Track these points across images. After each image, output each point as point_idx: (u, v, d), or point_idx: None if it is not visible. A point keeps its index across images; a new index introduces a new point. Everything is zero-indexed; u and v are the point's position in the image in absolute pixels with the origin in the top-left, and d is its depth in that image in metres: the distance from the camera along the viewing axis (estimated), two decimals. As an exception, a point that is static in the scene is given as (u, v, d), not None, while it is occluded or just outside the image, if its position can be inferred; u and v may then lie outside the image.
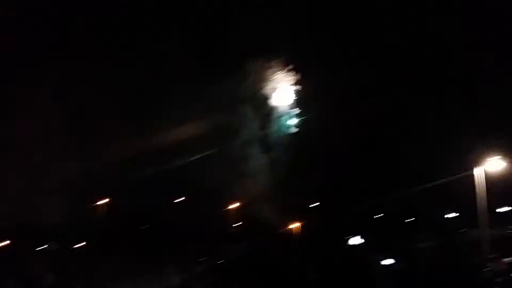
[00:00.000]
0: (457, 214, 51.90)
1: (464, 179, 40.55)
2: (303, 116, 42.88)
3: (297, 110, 42.88)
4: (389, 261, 49.98)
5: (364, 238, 52.70)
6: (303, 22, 42.46)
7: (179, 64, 39.17)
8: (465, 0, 42.06)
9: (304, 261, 47.53)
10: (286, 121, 42.49)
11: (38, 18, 37.44)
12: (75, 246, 43.03)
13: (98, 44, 39.74)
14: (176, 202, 46.27)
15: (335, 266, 46.63)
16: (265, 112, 42.57)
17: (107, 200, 43.14)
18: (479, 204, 39.88)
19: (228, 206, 46.98)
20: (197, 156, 42.04)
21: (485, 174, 38.71)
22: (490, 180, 38.72)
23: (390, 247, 50.16)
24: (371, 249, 50.85)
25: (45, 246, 42.36)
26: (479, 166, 39.61)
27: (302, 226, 48.85)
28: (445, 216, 53.05)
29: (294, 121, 42.76)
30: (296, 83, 41.95)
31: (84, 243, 42.90)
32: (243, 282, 45.42)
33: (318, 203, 51.34)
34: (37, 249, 42.31)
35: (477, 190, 39.85)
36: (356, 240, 53.63)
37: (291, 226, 48.69)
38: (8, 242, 40.21)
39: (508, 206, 48.80)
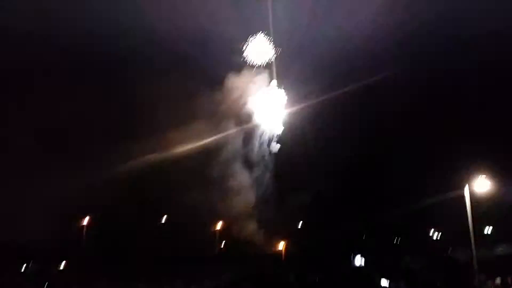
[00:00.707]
0: (443, 234, 51.09)
1: (451, 200, 39.73)
2: (289, 134, 42.73)
3: (282, 129, 42.72)
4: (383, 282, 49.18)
5: (361, 259, 51.98)
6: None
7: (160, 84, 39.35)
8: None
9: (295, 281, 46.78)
10: (270, 139, 42.27)
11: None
12: (57, 267, 42.66)
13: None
14: (160, 222, 45.97)
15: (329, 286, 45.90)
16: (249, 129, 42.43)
17: (88, 219, 42.88)
18: (469, 224, 38.88)
19: (213, 226, 46.49)
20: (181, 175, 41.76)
21: (472, 193, 37.81)
22: (477, 200, 37.89)
23: (383, 267, 49.36)
24: (369, 269, 50.08)
25: (26, 266, 42.02)
26: (468, 185, 38.56)
27: (288, 245, 47.97)
28: (433, 236, 52.27)
29: (279, 139, 42.60)
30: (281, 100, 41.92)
31: (65, 263, 42.46)
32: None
33: (305, 223, 50.65)
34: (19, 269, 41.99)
35: (467, 209, 38.78)
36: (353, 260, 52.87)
37: (278, 246, 47.85)
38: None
39: (493, 225, 48.02)
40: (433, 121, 45.52)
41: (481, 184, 37.43)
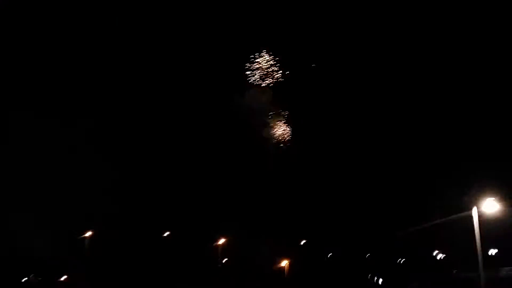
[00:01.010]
0: (449, 254, 50.61)
1: (456, 221, 39.14)
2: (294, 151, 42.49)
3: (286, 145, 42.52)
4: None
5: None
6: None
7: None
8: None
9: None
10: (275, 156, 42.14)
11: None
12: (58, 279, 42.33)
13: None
14: (163, 236, 45.57)
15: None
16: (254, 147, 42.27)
17: (90, 233, 42.55)
18: (477, 245, 38.19)
19: (215, 242, 45.94)
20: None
21: (480, 215, 37.23)
22: (485, 221, 37.30)
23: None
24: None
25: (27, 278, 41.76)
26: (476, 206, 37.95)
27: (291, 264, 47.31)
28: (437, 256, 51.80)
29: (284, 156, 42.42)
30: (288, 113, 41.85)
31: (66, 276, 42.14)
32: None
33: (307, 241, 50.13)
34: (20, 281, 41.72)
35: (475, 231, 38.12)
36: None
37: (280, 264, 47.12)
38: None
39: (498, 247, 47.53)
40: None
41: (489, 206, 36.88)
